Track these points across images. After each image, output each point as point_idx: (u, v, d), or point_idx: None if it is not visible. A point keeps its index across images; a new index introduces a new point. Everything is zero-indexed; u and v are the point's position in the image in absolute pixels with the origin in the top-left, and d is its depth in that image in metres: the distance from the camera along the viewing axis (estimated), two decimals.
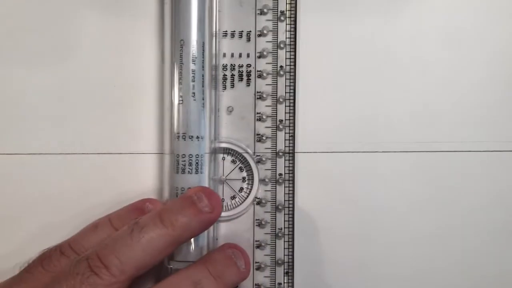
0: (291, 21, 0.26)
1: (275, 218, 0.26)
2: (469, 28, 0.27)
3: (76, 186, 0.27)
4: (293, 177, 0.26)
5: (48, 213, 0.27)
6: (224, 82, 0.26)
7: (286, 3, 0.26)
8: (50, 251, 0.23)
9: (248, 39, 0.26)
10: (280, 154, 0.26)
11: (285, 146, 0.26)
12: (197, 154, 0.25)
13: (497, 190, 0.27)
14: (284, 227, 0.26)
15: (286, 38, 0.26)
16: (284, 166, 0.26)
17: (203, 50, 0.25)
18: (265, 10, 0.26)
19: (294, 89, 0.26)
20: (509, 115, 0.27)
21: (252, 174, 0.26)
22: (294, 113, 0.26)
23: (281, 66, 0.26)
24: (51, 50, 0.27)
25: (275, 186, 0.26)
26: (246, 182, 0.26)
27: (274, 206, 0.26)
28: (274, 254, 0.26)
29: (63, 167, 0.27)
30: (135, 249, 0.21)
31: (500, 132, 0.27)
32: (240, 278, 0.24)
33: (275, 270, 0.26)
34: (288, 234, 0.26)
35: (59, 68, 0.27)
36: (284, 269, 0.26)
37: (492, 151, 0.27)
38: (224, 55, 0.26)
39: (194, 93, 0.24)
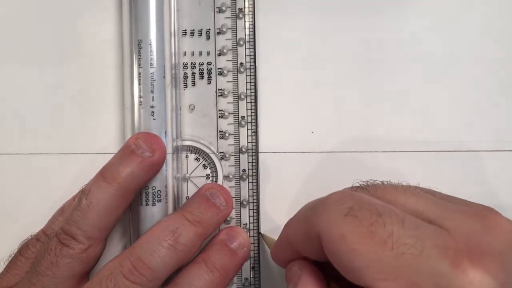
0: (249, 18, 0.26)
1: (240, 214, 0.26)
2: (470, 28, 0.27)
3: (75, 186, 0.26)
4: (257, 172, 0.26)
5: (47, 212, 0.26)
6: (185, 81, 0.26)
7: (244, 1, 0.26)
8: (27, 241, 0.24)
9: (208, 37, 0.26)
10: (243, 150, 0.26)
11: (247, 142, 0.26)
12: None
13: (497, 189, 0.27)
14: (249, 222, 0.26)
15: (245, 35, 0.26)
16: (248, 162, 0.26)
17: (162, 50, 0.25)
18: (223, 8, 0.26)
19: (255, 86, 0.26)
20: (509, 115, 0.27)
21: (216, 171, 0.26)
22: (256, 109, 0.26)
23: (241, 63, 0.26)
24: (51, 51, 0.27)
25: (239, 182, 0.26)
26: (210, 179, 0.26)
27: (238, 202, 0.26)
28: None
29: (62, 167, 0.27)
30: (88, 215, 0.22)
31: (499, 132, 0.27)
32: (222, 217, 0.24)
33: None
34: (253, 229, 0.26)
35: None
36: (250, 264, 0.26)
37: (491, 151, 0.27)
38: (184, 53, 0.26)
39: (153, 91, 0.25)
